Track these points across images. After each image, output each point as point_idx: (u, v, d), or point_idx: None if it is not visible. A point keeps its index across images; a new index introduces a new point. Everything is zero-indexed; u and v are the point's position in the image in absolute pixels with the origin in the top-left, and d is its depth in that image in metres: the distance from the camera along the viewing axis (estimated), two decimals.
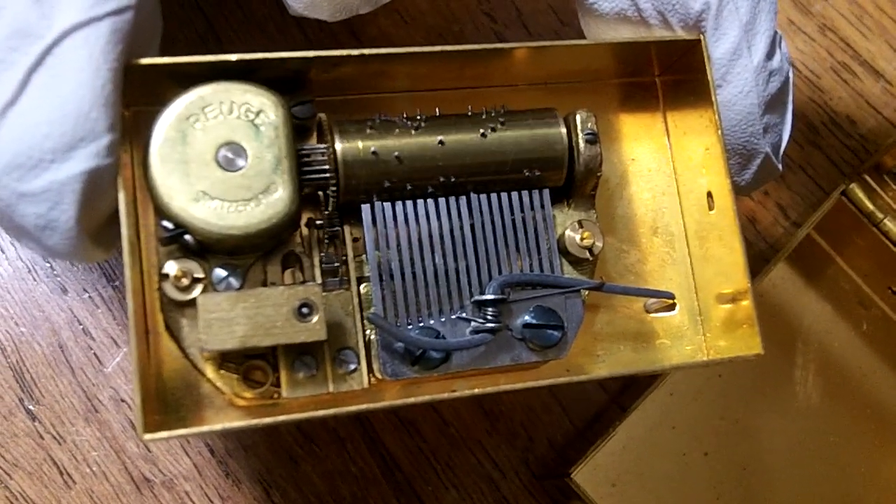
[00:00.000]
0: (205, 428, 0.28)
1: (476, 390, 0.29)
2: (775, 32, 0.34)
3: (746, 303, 0.33)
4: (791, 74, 0.35)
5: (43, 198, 0.27)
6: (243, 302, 0.29)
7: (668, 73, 0.36)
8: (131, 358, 0.28)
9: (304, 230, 0.32)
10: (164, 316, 0.30)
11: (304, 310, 0.29)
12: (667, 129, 0.37)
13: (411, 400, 0.29)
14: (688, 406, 0.42)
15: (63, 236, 0.28)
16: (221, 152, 0.29)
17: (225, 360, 0.30)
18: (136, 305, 0.28)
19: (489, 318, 0.31)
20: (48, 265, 0.40)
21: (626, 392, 0.43)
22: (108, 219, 0.29)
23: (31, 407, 0.39)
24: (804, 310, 0.44)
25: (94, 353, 0.40)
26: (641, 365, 0.35)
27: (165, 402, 0.30)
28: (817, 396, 0.43)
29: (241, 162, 0.29)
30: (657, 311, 0.35)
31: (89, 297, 0.40)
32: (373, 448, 0.41)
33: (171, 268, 0.30)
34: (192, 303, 0.29)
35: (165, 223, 0.29)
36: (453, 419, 0.42)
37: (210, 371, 0.30)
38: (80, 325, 0.40)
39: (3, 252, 0.40)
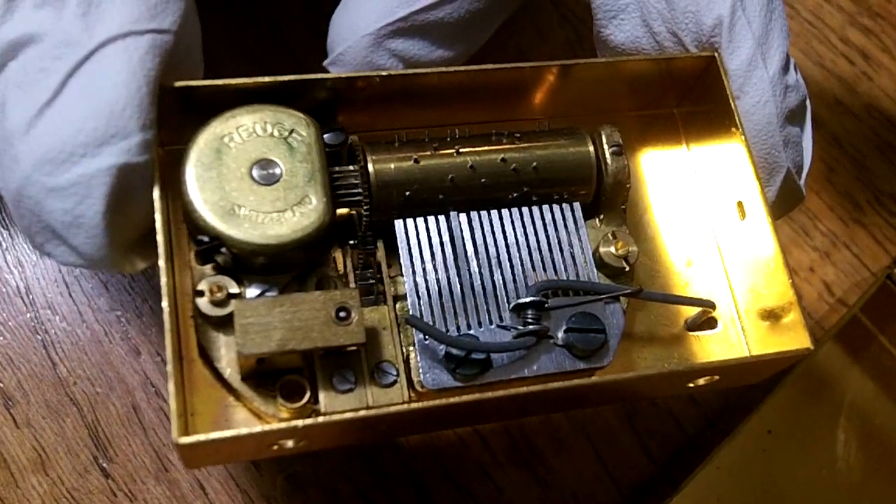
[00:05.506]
0: (242, 431, 0.25)
1: (532, 388, 0.27)
2: (788, 54, 0.33)
3: (792, 316, 0.31)
4: (808, 102, 0.34)
5: (71, 192, 0.25)
6: (280, 306, 0.27)
7: (686, 104, 0.36)
8: (168, 360, 0.26)
9: (340, 257, 0.31)
10: (198, 338, 0.28)
11: (342, 313, 0.27)
12: (688, 149, 0.36)
13: (454, 399, 0.27)
14: (734, 479, 0.39)
15: (89, 234, 0.26)
16: (255, 168, 0.29)
17: (260, 377, 0.28)
18: (171, 310, 0.26)
19: (529, 321, 0.29)
20: (124, 329, 0.39)
21: (675, 466, 0.41)
22: (140, 228, 0.28)
23: (104, 465, 0.38)
24: (848, 386, 0.42)
25: (166, 414, 0.38)
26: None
27: (202, 427, 0.28)
28: (860, 472, 0.40)
29: (275, 177, 0.29)
30: (698, 328, 0.33)
31: (161, 359, 0.39)
32: None
33: (206, 283, 0.28)
34: (228, 319, 0.28)
35: (200, 237, 0.28)
36: (505, 484, 0.40)
37: (246, 393, 0.28)
38: (153, 386, 0.39)
39: (81, 315, 0.39)
